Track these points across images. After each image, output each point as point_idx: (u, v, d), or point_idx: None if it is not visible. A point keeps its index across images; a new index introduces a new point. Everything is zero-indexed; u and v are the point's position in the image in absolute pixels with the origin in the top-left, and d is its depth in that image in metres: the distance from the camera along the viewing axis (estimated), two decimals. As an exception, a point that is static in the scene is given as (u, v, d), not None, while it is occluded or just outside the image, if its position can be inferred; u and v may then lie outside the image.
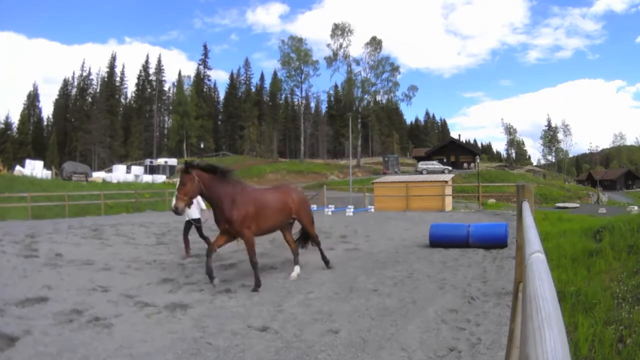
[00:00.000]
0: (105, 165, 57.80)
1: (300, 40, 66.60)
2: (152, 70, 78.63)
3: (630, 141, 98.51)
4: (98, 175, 39.09)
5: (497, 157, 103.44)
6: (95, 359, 3.91)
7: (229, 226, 6.40)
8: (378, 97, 68.65)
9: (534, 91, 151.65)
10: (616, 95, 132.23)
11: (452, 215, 18.06)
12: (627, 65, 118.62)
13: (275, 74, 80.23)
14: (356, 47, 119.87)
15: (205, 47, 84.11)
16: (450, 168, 49.14)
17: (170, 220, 17.87)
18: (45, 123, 78.42)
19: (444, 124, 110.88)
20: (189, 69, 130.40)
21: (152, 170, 44.70)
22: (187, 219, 9.20)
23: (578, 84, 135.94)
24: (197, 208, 9.14)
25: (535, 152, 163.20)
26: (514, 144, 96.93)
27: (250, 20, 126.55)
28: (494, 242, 9.13)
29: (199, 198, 8.39)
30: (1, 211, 20.09)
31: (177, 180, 7.98)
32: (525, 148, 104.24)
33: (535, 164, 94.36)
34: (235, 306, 5.50)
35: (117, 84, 78.30)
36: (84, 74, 75.94)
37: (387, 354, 3.92)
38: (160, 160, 50.47)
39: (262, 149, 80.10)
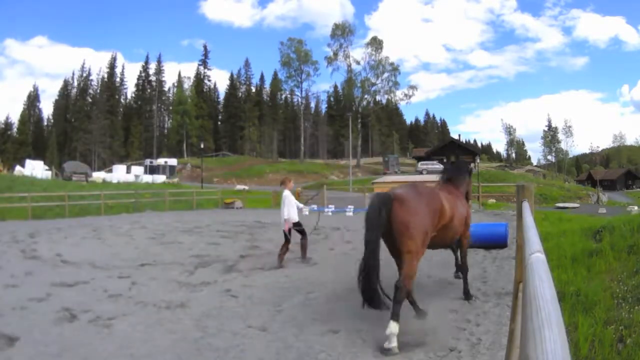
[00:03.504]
0: (106, 166, 57.83)
1: (300, 41, 66.78)
2: (152, 71, 78.75)
3: (630, 141, 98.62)
4: (98, 176, 39.10)
5: (497, 157, 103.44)
6: (95, 359, 3.91)
7: None
8: (378, 97, 68.81)
9: (534, 97, 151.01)
10: (615, 105, 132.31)
11: (452, 215, 18.01)
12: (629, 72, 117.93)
13: (275, 74, 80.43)
14: (356, 47, 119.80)
15: (205, 47, 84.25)
16: (450, 168, 49.01)
17: (169, 220, 17.86)
18: (45, 123, 78.51)
19: (444, 124, 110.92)
20: (189, 69, 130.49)
21: (152, 170, 44.66)
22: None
23: (578, 94, 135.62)
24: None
25: (534, 154, 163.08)
26: (514, 144, 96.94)
27: (252, 21, 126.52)
28: (494, 242, 9.13)
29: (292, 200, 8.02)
30: (2, 211, 20.10)
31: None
32: (525, 148, 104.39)
33: (535, 164, 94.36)
34: (235, 306, 5.50)
35: (117, 84, 78.34)
36: (84, 74, 76.07)
37: (387, 354, 3.92)
38: (160, 160, 50.45)
39: (262, 149, 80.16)
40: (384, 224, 4.26)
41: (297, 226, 8.11)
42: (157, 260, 8.72)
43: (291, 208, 7.99)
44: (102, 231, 13.74)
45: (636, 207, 25.45)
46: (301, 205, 8.41)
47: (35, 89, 78.32)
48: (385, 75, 65.18)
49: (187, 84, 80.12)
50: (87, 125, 68.01)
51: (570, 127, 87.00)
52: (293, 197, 8.24)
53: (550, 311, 0.72)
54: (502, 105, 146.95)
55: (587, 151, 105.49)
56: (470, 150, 63.00)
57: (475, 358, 3.78)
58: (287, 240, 8.00)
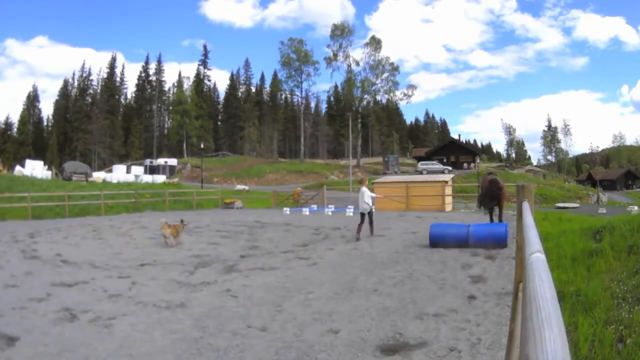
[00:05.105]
0: (106, 166, 57.80)
1: (300, 41, 66.71)
2: (152, 71, 78.72)
3: (630, 141, 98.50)
4: (98, 175, 39.05)
5: (497, 157, 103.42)
6: (95, 359, 3.91)
7: None
8: (378, 97, 68.79)
9: (534, 97, 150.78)
10: (615, 105, 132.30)
11: (452, 215, 18.06)
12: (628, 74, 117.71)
13: (275, 74, 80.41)
14: (356, 47, 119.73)
15: (205, 47, 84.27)
16: (450, 168, 49.08)
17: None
18: (45, 123, 78.48)
19: (444, 124, 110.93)
20: (189, 69, 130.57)
21: (152, 170, 44.63)
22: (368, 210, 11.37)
23: (578, 94, 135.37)
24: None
25: (534, 154, 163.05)
26: (514, 144, 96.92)
27: (253, 21, 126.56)
28: (494, 242, 9.12)
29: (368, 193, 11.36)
30: (1, 211, 20.09)
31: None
32: (525, 148, 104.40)
33: (535, 164, 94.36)
34: (235, 306, 5.50)
35: (117, 84, 78.33)
36: (84, 74, 76.04)
37: (387, 354, 3.92)
38: (160, 160, 50.41)
39: (262, 149, 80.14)
40: (497, 194, 11.38)
41: (369, 212, 11.40)
42: (157, 260, 8.72)
43: (369, 199, 11.34)
44: (102, 231, 13.74)
45: (636, 207, 25.48)
46: (374, 195, 12.09)
47: (35, 89, 78.34)
48: (385, 75, 65.12)
49: (187, 84, 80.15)
50: (87, 125, 67.99)
51: (568, 126, 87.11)
52: (369, 191, 11.56)
53: (550, 311, 0.72)
54: (502, 105, 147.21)
55: (587, 151, 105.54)
56: (470, 151, 63.02)
57: (475, 358, 3.78)
58: (363, 221, 11.21)
